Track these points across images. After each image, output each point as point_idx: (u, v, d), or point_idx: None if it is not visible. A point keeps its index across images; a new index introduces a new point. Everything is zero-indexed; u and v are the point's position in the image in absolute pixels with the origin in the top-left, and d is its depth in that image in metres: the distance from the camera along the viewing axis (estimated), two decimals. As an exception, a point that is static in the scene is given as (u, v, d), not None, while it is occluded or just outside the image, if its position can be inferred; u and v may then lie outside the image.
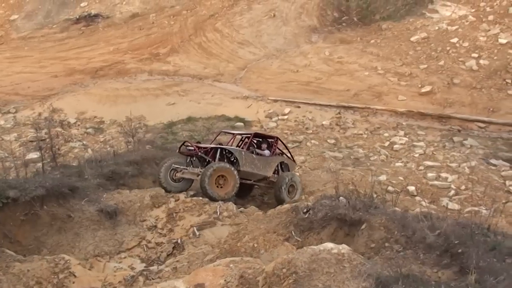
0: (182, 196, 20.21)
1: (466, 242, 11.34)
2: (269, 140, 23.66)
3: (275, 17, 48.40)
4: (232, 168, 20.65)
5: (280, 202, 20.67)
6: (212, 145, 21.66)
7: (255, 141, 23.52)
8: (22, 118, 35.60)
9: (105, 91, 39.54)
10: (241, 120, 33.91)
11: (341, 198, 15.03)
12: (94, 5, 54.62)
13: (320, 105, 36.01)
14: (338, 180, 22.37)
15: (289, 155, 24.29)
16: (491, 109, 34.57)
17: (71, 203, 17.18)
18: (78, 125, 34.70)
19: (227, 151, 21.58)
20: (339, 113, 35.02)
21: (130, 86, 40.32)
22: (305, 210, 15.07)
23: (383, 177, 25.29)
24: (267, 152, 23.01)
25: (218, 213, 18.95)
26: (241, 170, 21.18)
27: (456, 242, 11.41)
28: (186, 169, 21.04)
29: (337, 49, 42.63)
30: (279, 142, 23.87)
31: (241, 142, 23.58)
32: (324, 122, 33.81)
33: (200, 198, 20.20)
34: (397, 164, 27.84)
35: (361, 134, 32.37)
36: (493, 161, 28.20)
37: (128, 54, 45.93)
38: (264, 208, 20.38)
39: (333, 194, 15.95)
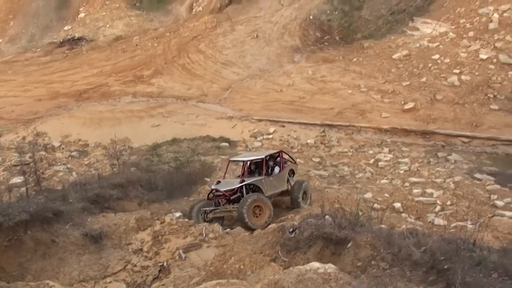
0: (167, 218, 20.15)
1: (452, 258, 11.37)
2: (276, 156, 24.10)
3: (258, 37, 48.67)
4: (265, 198, 21.51)
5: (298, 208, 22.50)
6: (238, 185, 21.89)
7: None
8: (6, 142, 35.38)
9: (89, 114, 39.46)
10: (226, 140, 33.90)
11: (326, 216, 15.03)
12: (77, 28, 54.80)
13: (305, 124, 36.13)
14: (323, 199, 22.44)
15: (290, 159, 25.07)
16: (474, 124, 34.76)
17: (56, 228, 17.04)
18: (63, 148, 34.55)
19: (252, 185, 22.19)
20: (323, 131, 35.10)
21: (115, 109, 40.29)
22: (291, 230, 15.06)
23: (368, 195, 25.28)
24: (277, 168, 23.62)
25: (204, 235, 18.86)
26: (266, 196, 21.93)
27: (442, 258, 11.43)
28: (218, 209, 21.68)
29: (320, 68, 42.84)
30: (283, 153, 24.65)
31: (251, 166, 23.92)
32: (308, 141, 33.86)
33: (186, 220, 20.18)
34: (382, 181, 27.86)
35: (346, 152, 32.42)
36: (477, 175, 28.29)
37: (112, 76, 46.00)
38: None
39: (319, 213, 15.94)
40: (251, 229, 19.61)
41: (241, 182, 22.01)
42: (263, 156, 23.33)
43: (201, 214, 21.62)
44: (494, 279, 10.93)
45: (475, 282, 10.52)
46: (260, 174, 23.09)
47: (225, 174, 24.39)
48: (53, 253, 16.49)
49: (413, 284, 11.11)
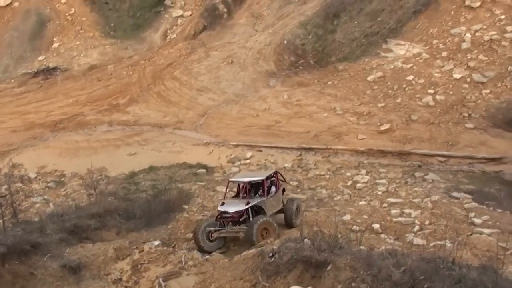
0: (146, 247, 20.07)
1: (431, 277, 11.41)
2: (272, 177, 25.24)
3: (233, 63, 48.75)
4: (271, 221, 22.85)
5: (292, 227, 23.77)
6: (245, 207, 22.89)
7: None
8: (-18, 175, 35.06)
9: (65, 143, 39.28)
10: (203, 166, 33.88)
11: (306, 240, 15.06)
12: (52, 58, 54.53)
13: (281, 147, 36.15)
14: (302, 222, 22.48)
15: (282, 179, 26.29)
16: (450, 143, 34.97)
17: (34, 260, 16.94)
18: (39, 179, 34.32)
19: (255, 206, 23.31)
20: (300, 155, 35.17)
21: (90, 138, 40.12)
22: (270, 254, 15.05)
23: (347, 217, 25.29)
24: (273, 188, 24.85)
25: (183, 262, 18.81)
26: (268, 215, 23.32)
27: (421, 277, 11.48)
28: (224, 229, 22.72)
29: (295, 92, 42.96)
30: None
31: (248, 187, 24.71)
32: (286, 165, 33.90)
33: (165, 248, 20.10)
34: (360, 202, 27.89)
35: (323, 175, 32.46)
36: (455, 194, 28.38)
37: (87, 105, 45.82)
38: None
39: (298, 236, 15.95)
40: (253, 243, 20.80)
41: (246, 204, 22.99)
42: (263, 178, 24.23)
43: (206, 234, 22.47)
44: (474, 297, 10.96)
45: (455, 301, 10.55)
46: (258, 194, 24.37)
47: (225, 194, 24.92)
48: (31, 286, 16.38)
49: (393, 304, 11.12)
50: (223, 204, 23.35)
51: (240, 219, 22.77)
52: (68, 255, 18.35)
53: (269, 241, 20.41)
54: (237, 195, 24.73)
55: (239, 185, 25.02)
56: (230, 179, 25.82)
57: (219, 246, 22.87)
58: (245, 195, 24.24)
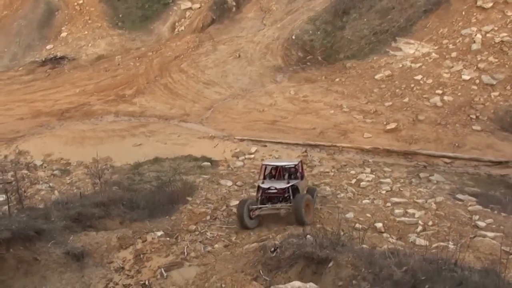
0: (149, 237, 20.09)
1: (433, 277, 11.34)
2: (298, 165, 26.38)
3: (240, 57, 48.72)
4: (312, 199, 24.64)
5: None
6: (288, 185, 24.13)
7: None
8: (-12, 161, 35.10)
9: (71, 132, 39.26)
10: (208, 160, 33.81)
11: (308, 236, 15.03)
12: (60, 47, 54.63)
13: (287, 143, 36.08)
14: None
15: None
16: (457, 144, 34.87)
17: (38, 246, 16.98)
18: (45, 167, 34.31)
19: (293, 185, 24.40)
20: (305, 151, 35.08)
21: (97, 128, 40.12)
22: (272, 249, 15.03)
23: (350, 215, 25.20)
24: (299, 174, 25.85)
25: (186, 253, 18.83)
26: None
27: (423, 278, 11.41)
28: (266, 206, 23.73)
29: (302, 88, 42.90)
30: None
31: (282, 171, 25.99)
32: (291, 161, 33.86)
33: (168, 239, 20.11)
34: (364, 201, 27.78)
35: (328, 172, 32.37)
36: (459, 196, 28.29)
37: (94, 95, 45.84)
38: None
39: (300, 232, 15.92)
40: (302, 223, 22.14)
41: (287, 183, 24.22)
42: (296, 163, 26.03)
43: (248, 212, 23.30)
44: (476, 299, 10.90)
45: (456, 302, 10.50)
46: (289, 178, 25.26)
47: (259, 176, 25.99)
48: (35, 271, 16.42)
49: (394, 303, 11.07)
50: (263, 183, 24.60)
51: (285, 195, 23.91)
52: (71, 242, 18.39)
53: (271, 236, 20.44)
54: (264, 178, 25.48)
55: (265, 169, 25.90)
56: (263, 163, 26.75)
57: (256, 224, 23.58)
58: (279, 177, 25.52)
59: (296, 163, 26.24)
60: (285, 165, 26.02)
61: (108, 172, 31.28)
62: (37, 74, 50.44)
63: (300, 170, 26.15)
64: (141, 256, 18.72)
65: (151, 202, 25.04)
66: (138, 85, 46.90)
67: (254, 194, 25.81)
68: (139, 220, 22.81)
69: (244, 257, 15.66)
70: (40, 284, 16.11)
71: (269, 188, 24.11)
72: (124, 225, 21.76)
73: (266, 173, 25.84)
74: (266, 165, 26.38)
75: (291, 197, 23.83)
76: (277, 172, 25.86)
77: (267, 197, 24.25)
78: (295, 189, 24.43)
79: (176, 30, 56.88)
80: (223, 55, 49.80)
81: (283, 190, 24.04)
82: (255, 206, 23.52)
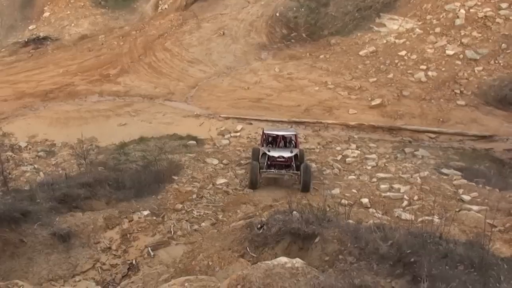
0: (135, 216, 20.10)
1: (418, 251, 11.42)
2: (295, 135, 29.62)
3: (225, 35, 48.59)
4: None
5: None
6: (292, 154, 27.48)
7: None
8: (-28, 143, 34.89)
9: (55, 113, 39.00)
10: (193, 138, 33.67)
11: (294, 212, 15.09)
12: (42, 27, 54.30)
13: (272, 121, 35.97)
14: (291, 195, 22.50)
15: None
16: (441, 119, 35.03)
17: (24, 228, 16.96)
18: (29, 148, 34.09)
19: (296, 154, 27.69)
20: (291, 127, 35.09)
21: (81, 108, 39.88)
22: (259, 226, 15.08)
23: (336, 191, 25.35)
24: (294, 143, 28.93)
25: (172, 232, 18.89)
26: None
27: (408, 251, 11.49)
28: (272, 171, 26.76)
29: (287, 65, 42.89)
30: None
31: (280, 140, 29.09)
32: (276, 138, 33.89)
33: (154, 218, 20.14)
34: (350, 177, 27.91)
35: (314, 149, 32.41)
36: (444, 170, 28.46)
37: (78, 76, 45.52)
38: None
39: (287, 209, 15.97)
40: (308, 191, 25.44)
41: (291, 152, 27.54)
42: (295, 133, 29.42)
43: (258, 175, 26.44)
44: (460, 271, 10.99)
45: (441, 274, 10.58)
46: (284, 146, 28.70)
47: (261, 144, 29.32)
48: (21, 253, 16.41)
49: (380, 277, 11.15)
50: (269, 150, 27.58)
51: (291, 163, 26.94)
52: (58, 223, 18.35)
53: (257, 213, 20.51)
54: (267, 145, 28.78)
55: (266, 135, 29.02)
56: (265, 131, 29.35)
57: (260, 185, 26.68)
58: (279, 145, 28.82)
59: (294, 133, 29.45)
60: (285, 135, 29.08)
61: (93, 153, 31.19)
62: (20, 55, 50.06)
63: (296, 140, 28.78)
64: (128, 235, 18.76)
65: (137, 181, 25.00)
66: (122, 64, 46.65)
67: (240, 172, 27.76)
68: (125, 200, 22.79)
69: (231, 235, 15.69)
70: (27, 265, 16.10)
71: (278, 157, 27.06)
72: (110, 205, 21.75)
73: (265, 141, 28.92)
74: (267, 133, 29.09)
75: (294, 165, 26.91)
76: (277, 140, 28.95)
77: (273, 163, 26.99)
78: (295, 157, 27.35)
79: (160, 8, 56.59)
80: (207, 33, 49.64)
81: (291, 158, 27.10)
82: (264, 170, 26.61)
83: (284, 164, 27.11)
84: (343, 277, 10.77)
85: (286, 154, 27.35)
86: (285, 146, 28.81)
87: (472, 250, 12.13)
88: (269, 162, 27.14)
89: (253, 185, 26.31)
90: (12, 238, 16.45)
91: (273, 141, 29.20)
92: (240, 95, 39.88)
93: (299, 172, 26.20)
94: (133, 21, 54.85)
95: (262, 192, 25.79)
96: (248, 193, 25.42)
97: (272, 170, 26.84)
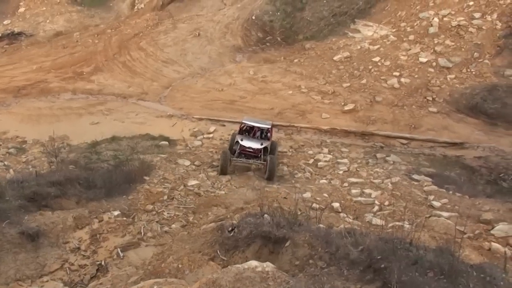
0: (105, 216, 19.97)
1: (388, 257, 11.45)
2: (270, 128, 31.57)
3: (200, 36, 48.58)
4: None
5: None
6: (261, 146, 29.75)
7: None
8: None
9: (27, 110, 38.75)
10: (166, 139, 33.64)
11: (265, 215, 15.05)
12: (17, 23, 53.87)
13: (245, 123, 36.06)
14: (262, 198, 22.46)
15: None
16: (413, 125, 35.29)
17: (-9, 226, 16.74)
18: (0, 145, 33.84)
19: (265, 147, 29.90)
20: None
21: (53, 105, 39.64)
22: (230, 229, 15.04)
23: (307, 194, 25.30)
24: (268, 135, 31.14)
25: (142, 233, 18.79)
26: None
27: (379, 257, 11.51)
28: (241, 160, 29.24)
29: (261, 69, 42.97)
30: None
31: (256, 130, 31.40)
32: (249, 141, 33.89)
33: (124, 218, 20.03)
34: (321, 181, 27.96)
35: (286, 152, 32.49)
36: (415, 176, 28.64)
37: (52, 72, 45.22)
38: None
39: (258, 212, 15.95)
40: (271, 180, 27.69)
41: (261, 144, 29.80)
42: (269, 127, 31.21)
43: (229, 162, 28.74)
44: (430, 277, 11.03)
45: (411, 281, 10.62)
46: (257, 138, 30.84)
47: (239, 132, 31.22)
48: (-12, 251, 16.18)
49: (350, 283, 11.16)
50: (242, 140, 29.98)
51: (259, 155, 29.29)
52: (27, 222, 18.13)
53: (228, 216, 20.46)
54: (240, 133, 31.02)
55: (243, 125, 31.23)
56: (243, 120, 31.51)
57: (229, 172, 28.78)
58: (254, 136, 30.99)
59: (269, 126, 31.24)
60: (260, 127, 31.04)
61: (64, 151, 31.01)
62: (-6, 50, 49.69)
63: (270, 133, 30.99)
64: (98, 236, 18.61)
65: (108, 181, 24.80)
66: (96, 62, 46.43)
67: (212, 174, 28.43)
68: (95, 200, 22.61)
69: (202, 237, 15.63)
70: (-6, 264, 15.93)
71: (248, 147, 29.54)
72: (81, 205, 21.55)
73: (242, 129, 31.18)
74: (244, 123, 31.22)
75: (262, 156, 29.16)
76: (252, 131, 31.19)
77: (243, 152, 29.53)
78: (265, 149, 29.64)
79: (136, 7, 56.41)
80: (182, 33, 49.60)
81: (259, 150, 29.50)
82: (234, 159, 29.03)
83: (253, 154, 29.52)
84: (313, 282, 10.78)
85: (256, 145, 29.74)
86: (261, 137, 30.90)
87: (442, 256, 12.17)
88: (239, 151, 29.62)
89: (223, 171, 28.35)
90: (-20, 236, 16.28)
91: (250, 130, 31.30)
92: (214, 97, 39.89)
93: (265, 162, 28.33)
94: (109, 20, 54.60)
95: (233, 195, 25.70)
96: (220, 195, 25.27)
97: (241, 159, 29.26)
